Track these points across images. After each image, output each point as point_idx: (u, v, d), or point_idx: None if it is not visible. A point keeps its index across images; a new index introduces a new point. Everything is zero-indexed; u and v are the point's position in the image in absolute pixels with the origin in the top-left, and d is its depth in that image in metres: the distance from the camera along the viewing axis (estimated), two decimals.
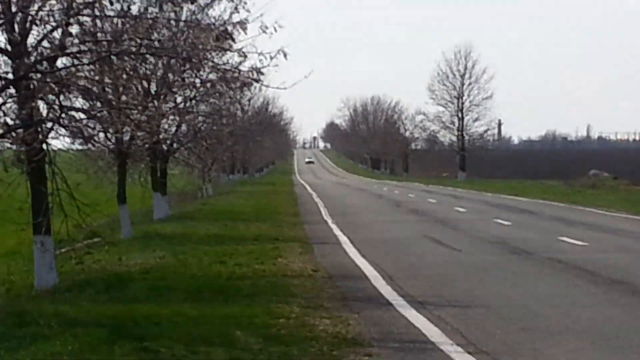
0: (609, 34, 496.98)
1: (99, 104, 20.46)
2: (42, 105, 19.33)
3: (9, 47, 19.10)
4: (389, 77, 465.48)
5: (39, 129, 19.40)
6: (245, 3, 20.50)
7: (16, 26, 18.93)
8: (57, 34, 19.58)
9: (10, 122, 18.90)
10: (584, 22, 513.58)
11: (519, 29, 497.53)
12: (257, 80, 20.68)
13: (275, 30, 19.35)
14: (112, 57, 19.67)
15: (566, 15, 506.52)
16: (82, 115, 20.52)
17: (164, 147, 41.21)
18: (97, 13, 19.91)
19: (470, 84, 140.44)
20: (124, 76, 20.91)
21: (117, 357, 13.37)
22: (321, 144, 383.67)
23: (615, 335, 15.74)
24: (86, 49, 19.96)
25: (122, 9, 20.42)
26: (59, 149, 22.00)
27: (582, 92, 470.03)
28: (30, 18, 19.04)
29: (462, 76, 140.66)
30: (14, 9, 18.68)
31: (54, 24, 19.37)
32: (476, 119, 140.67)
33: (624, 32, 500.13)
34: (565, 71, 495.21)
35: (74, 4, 19.10)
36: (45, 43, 19.58)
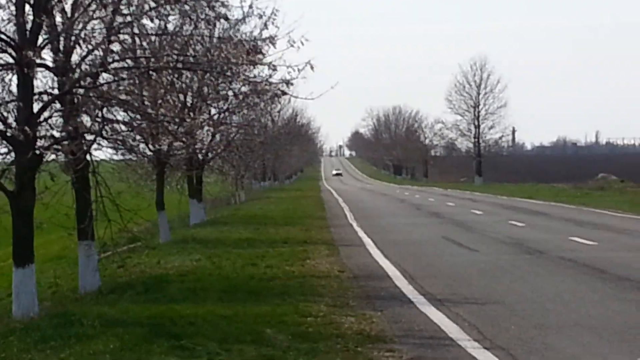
0: (617, 45, 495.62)
1: (139, 117, 20.55)
2: (85, 118, 19.41)
3: (54, 65, 19.19)
4: (410, 88, 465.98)
5: (83, 141, 19.49)
6: (274, 19, 20.50)
7: (61, 45, 19.00)
8: (99, 52, 19.67)
9: (57, 135, 18.98)
10: (594, 32, 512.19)
11: (532, 40, 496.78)
12: (285, 93, 20.74)
13: (302, 44, 19.44)
14: (151, 72, 19.75)
15: (577, 26, 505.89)
16: (123, 128, 20.63)
17: (200, 156, 41.32)
18: (136, 31, 20.04)
19: (485, 93, 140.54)
20: (162, 90, 20.98)
21: (155, 354, 13.41)
22: (347, 152, 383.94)
23: (622, 329, 15.71)
24: (126, 65, 20.08)
25: (159, 27, 20.56)
26: (102, 159, 22.13)
27: (592, 99, 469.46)
28: (73, 37, 19.12)
29: (478, 86, 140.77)
30: (59, 28, 18.78)
31: (96, 42, 19.46)
32: (491, 127, 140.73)
33: (631, 44, 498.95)
34: (575, 80, 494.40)
35: (115, 24, 19.22)
36: (88, 60, 19.68)
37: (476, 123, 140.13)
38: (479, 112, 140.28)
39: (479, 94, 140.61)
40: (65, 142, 18.92)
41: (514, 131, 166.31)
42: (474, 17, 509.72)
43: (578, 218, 48.07)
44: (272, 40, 20.15)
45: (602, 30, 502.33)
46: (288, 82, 19.93)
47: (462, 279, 23.22)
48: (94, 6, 19.09)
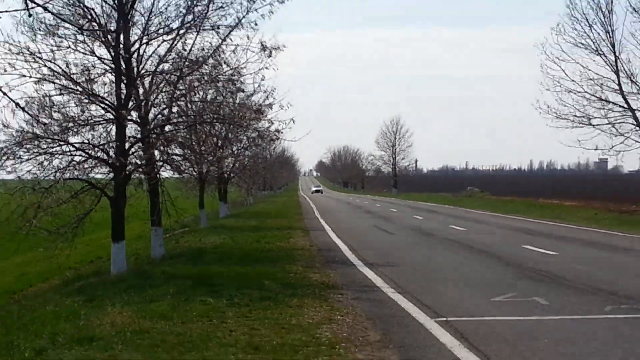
0: (479, 107, 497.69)
1: (189, 152, 20.55)
2: (156, 152, 19.43)
3: (138, 119, 19.23)
4: (354, 134, 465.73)
5: (155, 166, 19.50)
6: (272, 93, 20.77)
7: (142, 107, 19.04)
8: (165, 112, 19.73)
9: (139, 162, 19.01)
10: (466, 98, 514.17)
11: (430, 102, 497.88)
12: (278, 137, 20.94)
13: (288, 107, 19.64)
14: (197, 125, 19.74)
15: (458, 95, 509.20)
16: (179, 158, 20.63)
17: (225, 175, 41.36)
18: (188, 99, 20.08)
19: (399, 138, 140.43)
20: (203, 135, 21.03)
21: (198, 295, 13.37)
22: (314, 173, 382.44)
23: (481, 281, 15.79)
24: (182, 120, 20.08)
25: (202, 97, 20.62)
26: (166, 177, 22.18)
27: (463, 141, 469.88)
28: (150, 103, 19.16)
29: (395, 134, 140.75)
30: (141, 97, 18.81)
31: (163, 106, 19.53)
32: (403, 158, 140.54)
33: (485, 105, 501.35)
34: (453, 128, 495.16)
35: (175, 95, 19.27)
36: (158, 117, 19.73)
37: (393, 156, 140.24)
38: (395, 149, 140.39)
39: (395, 138, 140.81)
40: (144, 167, 18.94)
41: (416, 161, 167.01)
42: (395, 90, 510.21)
43: (455, 214, 48.30)
44: (270, 105, 20.36)
45: (471, 96, 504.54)
46: (279, 131, 20.15)
47: (385, 251, 23.28)
48: (162, 84, 19.19)
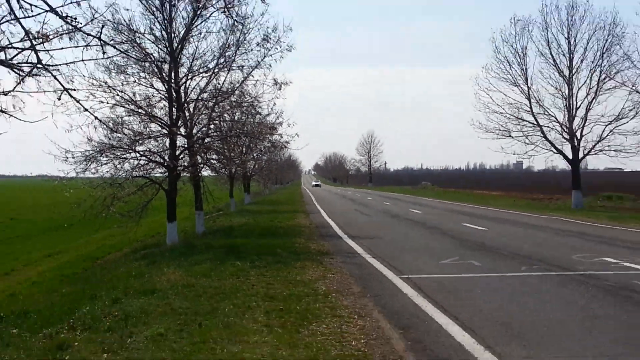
0: (429, 125, 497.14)
1: (222, 157, 20.50)
2: (198, 157, 19.41)
3: (185, 134, 19.20)
4: (341, 144, 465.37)
5: (197, 167, 19.49)
6: (281, 114, 20.77)
7: (188, 124, 19.02)
8: (204, 128, 19.69)
9: (186, 164, 18.99)
10: (422, 114, 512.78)
11: (397, 123, 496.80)
12: (286, 147, 20.90)
13: (294, 125, 19.65)
14: (228, 137, 19.71)
15: (415, 115, 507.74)
16: (215, 162, 20.60)
17: (248, 174, 41.27)
18: (221, 119, 20.06)
19: (374, 147, 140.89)
20: (232, 145, 20.91)
21: (229, 260, 13.37)
22: (312, 172, 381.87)
23: (432, 249, 15.81)
24: (217, 134, 20.06)
25: (231, 117, 20.59)
26: (205, 175, 22.13)
27: (419, 148, 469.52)
28: (194, 122, 19.13)
29: (370, 143, 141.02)
30: (187, 117, 18.78)
31: (203, 124, 19.48)
32: (376, 161, 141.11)
33: (433, 123, 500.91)
34: (412, 138, 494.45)
35: (211, 116, 19.23)
36: (200, 132, 19.69)
37: (369, 160, 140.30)
38: (370, 155, 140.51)
39: (370, 146, 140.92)
40: (190, 168, 18.93)
41: (385, 163, 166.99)
42: (370, 112, 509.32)
43: (414, 201, 48.27)
44: (280, 123, 20.40)
45: (427, 114, 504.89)
46: (287, 142, 20.16)
47: (363, 228, 23.28)
48: (202, 108, 19.17)
